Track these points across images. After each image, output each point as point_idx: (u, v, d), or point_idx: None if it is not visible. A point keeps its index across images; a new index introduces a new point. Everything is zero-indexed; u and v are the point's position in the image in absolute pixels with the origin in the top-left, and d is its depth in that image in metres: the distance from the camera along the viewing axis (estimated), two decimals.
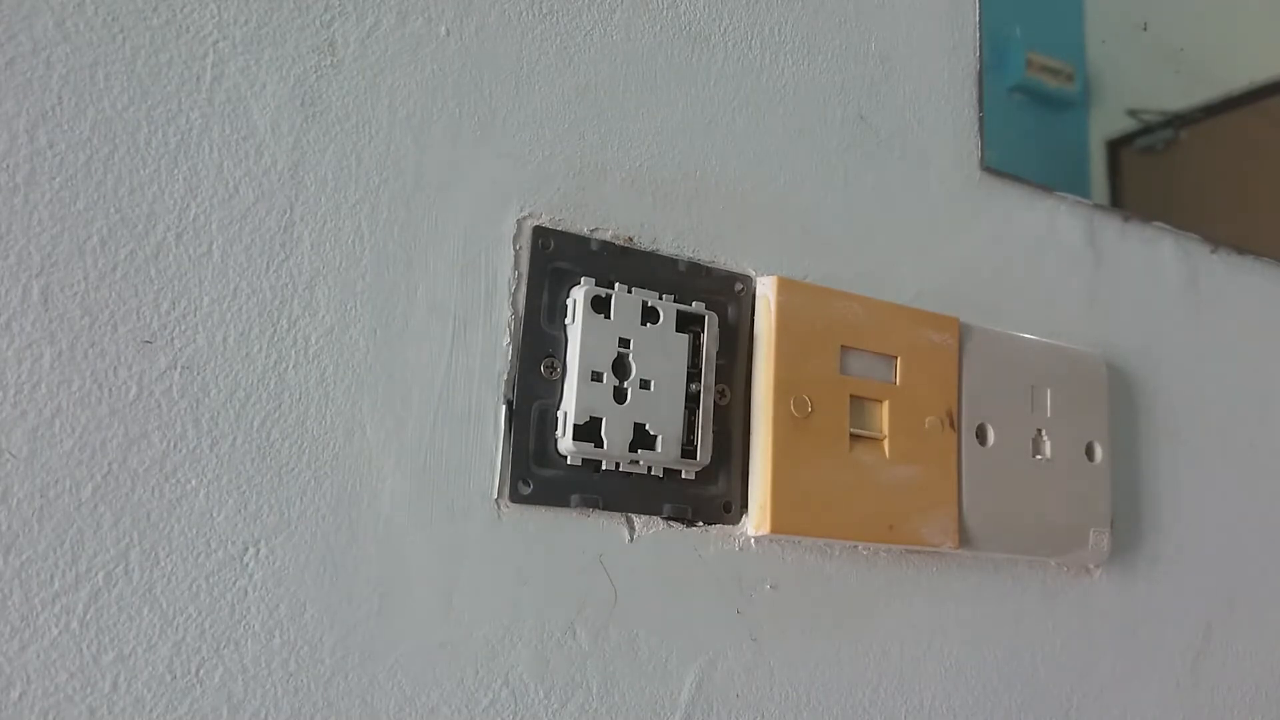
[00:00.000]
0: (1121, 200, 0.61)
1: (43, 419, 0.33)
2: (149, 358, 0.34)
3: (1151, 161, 0.65)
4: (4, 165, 0.33)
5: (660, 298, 0.42)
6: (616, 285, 0.41)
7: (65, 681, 0.32)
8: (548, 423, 0.40)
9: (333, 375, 0.37)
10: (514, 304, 0.41)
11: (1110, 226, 0.60)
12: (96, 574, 0.33)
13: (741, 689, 0.43)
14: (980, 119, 0.55)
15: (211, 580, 0.34)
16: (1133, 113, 0.64)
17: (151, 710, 0.33)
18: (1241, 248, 0.66)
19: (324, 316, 0.37)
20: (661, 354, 0.41)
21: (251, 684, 0.34)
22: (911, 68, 0.54)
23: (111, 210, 0.34)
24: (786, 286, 0.45)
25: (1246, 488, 0.64)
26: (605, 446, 0.40)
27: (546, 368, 0.40)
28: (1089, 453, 0.54)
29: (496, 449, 0.39)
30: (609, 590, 0.41)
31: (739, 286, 0.45)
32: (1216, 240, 0.64)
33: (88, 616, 0.32)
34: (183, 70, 0.36)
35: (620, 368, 0.41)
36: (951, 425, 0.49)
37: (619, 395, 0.40)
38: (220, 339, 0.35)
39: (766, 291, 0.45)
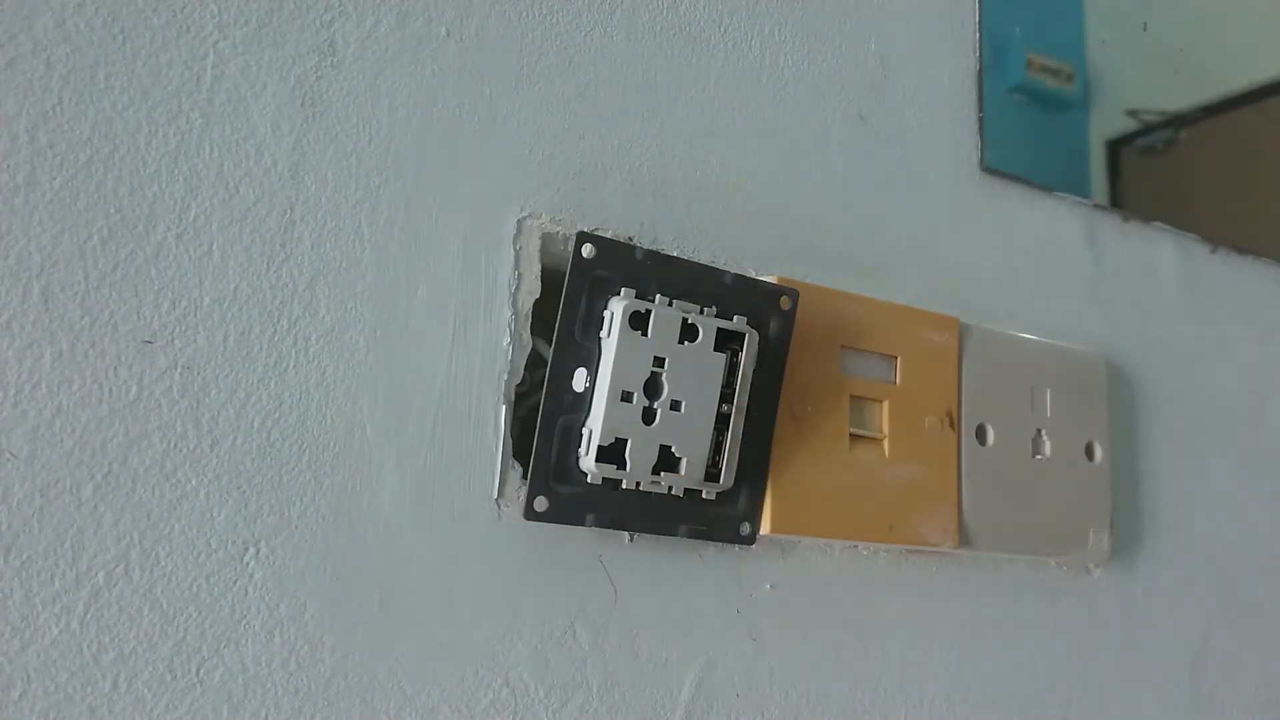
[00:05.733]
0: (1121, 200, 0.61)
1: (43, 419, 0.33)
2: (149, 358, 0.34)
3: (1151, 161, 0.65)
4: (4, 165, 0.33)
5: (701, 311, 0.40)
6: (657, 298, 0.40)
7: (65, 681, 0.32)
8: (571, 438, 0.39)
9: (333, 375, 0.37)
10: (514, 304, 0.41)
11: (1110, 226, 0.60)
12: (97, 574, 0.33)
13: (741, 689, 0.43)
14: (980, 119, 0.55)
15: (211, 580, 0.34)
16: (1133, 113, 0.64)
17: (152, 710, 0.33)
18: (1241, 248, 0.66)
19: (324, 316, 0.37)
20: (696, 374, 0.40)
21: (251, 684, 0.34)
22: (911, 68, 0.54)
23: (112, 210, 0.34)
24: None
25: (1246, 487, 0.64)
26: (628, 468, 0.39)
27: (577, 381, 0.38)
28: (1089, 452, 0.54)
29: (497, 449, 0.39)
30: (609, 590, 0.41)
31: (785, 303, 0.43)
32: (1216, 240, 0.64)
33: (88, 616, 0.32)
34: (183, 70, 0.36)
35: (652, 387, 0.39)
36: (951, 425, 0.49)
37: (648, 416, 0.39)
38: (220, 339, 0.35)
39: None
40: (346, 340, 0.37)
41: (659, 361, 0.39)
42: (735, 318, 0.41)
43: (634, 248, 0.40)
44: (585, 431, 0.39)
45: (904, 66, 0.53)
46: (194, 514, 0.34)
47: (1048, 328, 0.56)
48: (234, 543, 0.35)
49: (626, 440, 0.39)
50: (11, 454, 0.32)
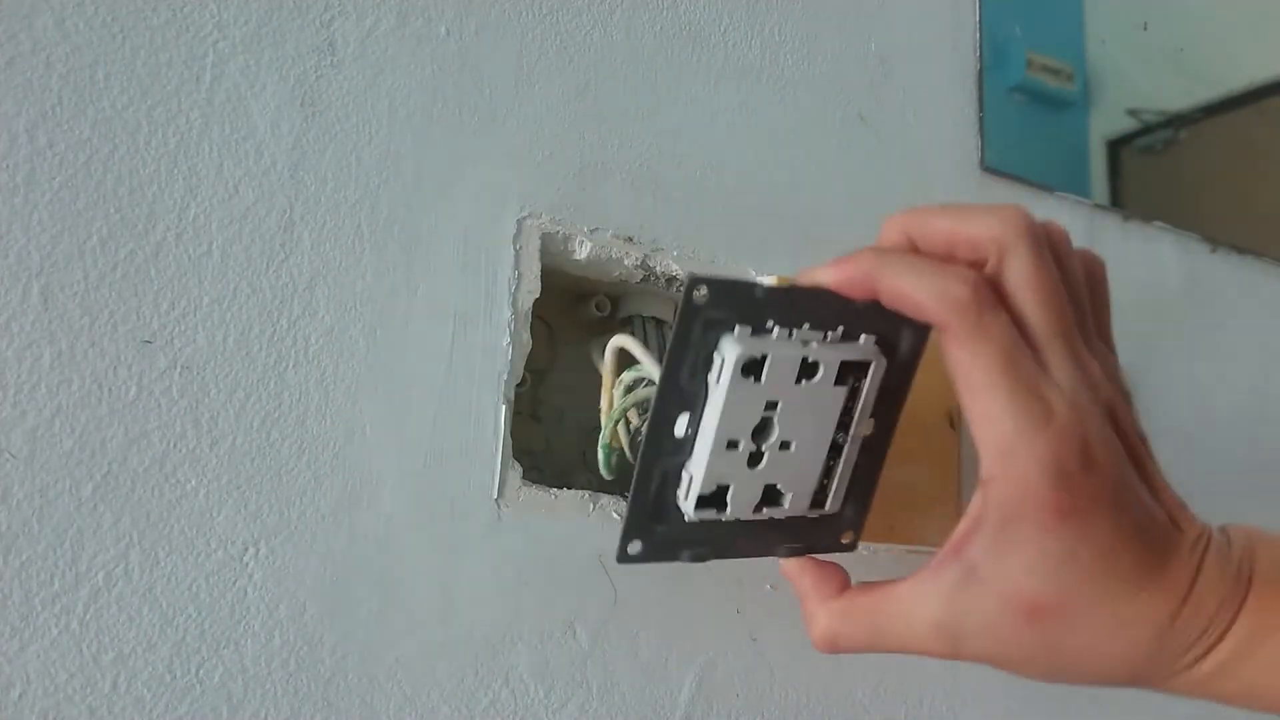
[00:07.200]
0: (1121, 200, 0.61)
1: (43, 419, 0.33)
2: (149, 358, 0.34)
3: (1151, 161, 0.65)
4: (4, 165, 0.33)
5: (825, 336, 0.35)
6: (776, 330, 0.34)
7: (65, 681, 0.32)
8: (670, 480, 0.36)
9: (333, 375, 0.37)
10: (514, 304, 0.41)
11: (1110, 226, 0.60)
12: (96, 574, 0.33)
13: (741, 689, 0.43)
14: (980, 119, 0.55)
15: (211, 580, 0.34)
16: (1133, 113, 0.64)
17: (151, 710, 0.33)
18: (1241, 248, 0.66)
19: (324, 316, 0.37)
20: (811, 413, 0.35)
21: (251, 684, 0.34)
22: (911, 68, 0.54)
23: (111, 210, 0.34)
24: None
25: (1246, 487, 0.64)
26: (729, 511, 0.36)
27: (679, 427, 0.35)
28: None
29: (496, 449, 0.39)
30: (609, 590, 0.41)
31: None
32: (1216, 240, 0.64)
33: (88, 616, 0.32)
34: (183, 70, 0.36)
35: (761, 429, 0.35)
36: (952, 425, 0.49)
37: (753, 459, 0.35)
38: (220, 339, 0.35)
39: None
40: (346, 340, 0.37)
41: (771, 404, 0.35)
42: (863, 338, 0.36)
43: (754, 285, 0.34)
44: (686, 476, 0.35)
45: (904, 66, 0.53)
46: (194, 514, 0.34)
47: None
48: (234, 543, 0.35)
49: (729, 485, 0.35)
50: (11, 454, 0.32)
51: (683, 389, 0.34)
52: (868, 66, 0.52)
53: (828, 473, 0.37)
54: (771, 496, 0.37)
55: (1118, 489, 0.31)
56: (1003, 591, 0.31)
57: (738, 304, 0.34)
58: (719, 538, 0.37)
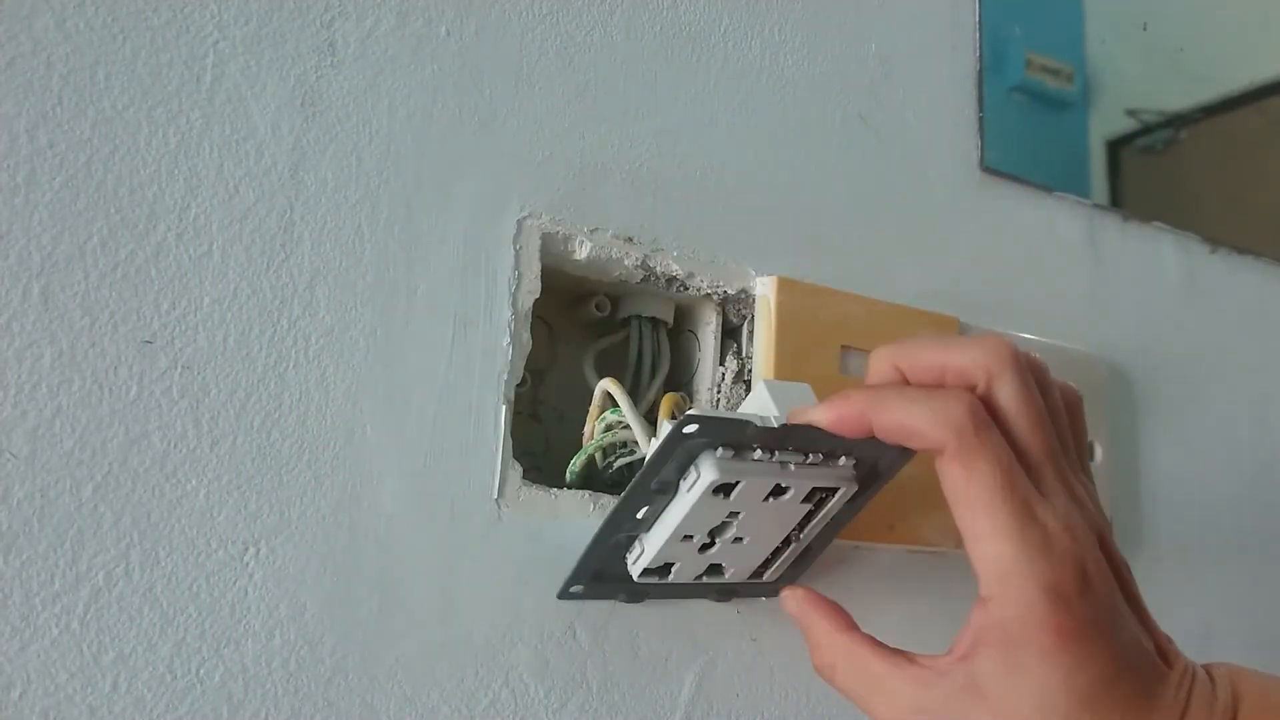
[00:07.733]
0: (1121, 200, 0.61)
1: (43, 419, 0.33)
2: (149, 358, 0.34)
3: (1151, 161, 0.65)
4: (4, 165, 0.33)
5: (806, 458, 0.35)
6: (758, 452, 0.34)
7: (65, 681, 0.32)
8: (621, 545, 0.37)
9: (333, 375, 0.37)
10: (514, 304, 0.41)
11: (1110, 226, 0.60)
12: (97, 574, 0.33)
13: (741, 689, 0.43)
14: (980, 119, 0.55)
15: (211, 580, 0.34)
16: (1132, 113, 0.64)
17: (152, 710, 0.33)
18: (1241, 248, 0.66)
19: (324, 316, 0.37)
20: (771, 521, 0.36)
21: (251, 684, 0.34)
22: (911, 68, 0.54)
23: (112, 210, 0.34)
24: (786, 286, 0.45)
25: (1246, 487, 0.64)
26: (671, 579, 0.37)
27: (640, 512, 0.36)
28: (1089, 452, 0.54)
29: (497, 449, 0.39)
30: None
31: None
32: (1216, 240, 0.64)
33: (88, 616, 0.32)
34: (183, 70, 0.36)
35: (719, 528, 0.36)
36: None
37: (705, 547, 0.37)
38: (220, 339, 0.35)
39: (766, 291, 0.45)
40: (346, 340, 0.37)
41: (734, 513, 0.36)
42: (843, 459, 0.36)
43: (747, 424, 0.33)
44: (639, 546, 0.37)
45: (904, 66, 0.53)
46: (194, 514, 0.34)
47: (1048, 328, 0.56)
48: (234, 543, 0.35)
49: (675, 563, 0.37)
50: (11, 454, 0.32)
51: (651, 492, 0.35)
52: (868, 67, 0.52)
53: (775, 553, 0.38)
54: (715, 570, 0.38)
55: (1111, 614, 0.31)
56: (999, 710, 0.31)
57: (726, 433, 0.34)
58: (655, 588, 0.39)
